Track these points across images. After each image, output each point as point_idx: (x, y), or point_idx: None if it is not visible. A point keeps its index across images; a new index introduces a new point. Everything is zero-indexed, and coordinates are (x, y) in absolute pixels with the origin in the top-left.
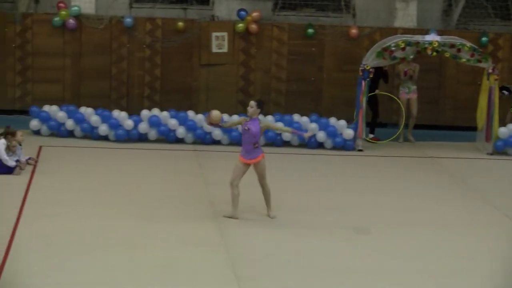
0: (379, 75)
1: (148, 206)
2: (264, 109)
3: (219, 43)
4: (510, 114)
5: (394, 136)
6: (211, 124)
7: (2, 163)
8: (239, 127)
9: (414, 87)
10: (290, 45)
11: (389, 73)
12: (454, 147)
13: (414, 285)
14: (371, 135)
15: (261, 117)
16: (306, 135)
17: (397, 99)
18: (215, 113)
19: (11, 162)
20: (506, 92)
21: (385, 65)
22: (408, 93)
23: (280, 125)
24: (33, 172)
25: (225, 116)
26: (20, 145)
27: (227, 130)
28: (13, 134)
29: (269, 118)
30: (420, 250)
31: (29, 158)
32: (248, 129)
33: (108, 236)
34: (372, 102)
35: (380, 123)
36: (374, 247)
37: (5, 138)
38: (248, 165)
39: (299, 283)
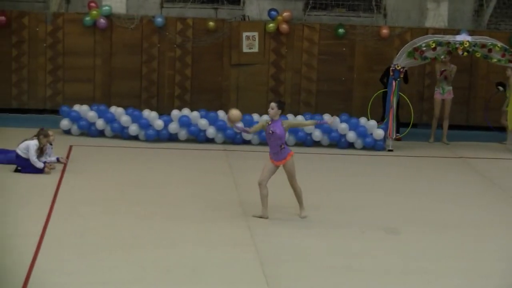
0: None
1: (178, 206)
2: (284, 109)
3: (250, 43)
4: (505, 113)
5: (405, 132)
6: (232, 124)
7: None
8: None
9: (449, 88)
10: (321, 45)
11: (411, 73)
12: (485, 147)
13: (447, 285)
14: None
15: (282, 117)
16: (330, 121)
17: (405, 97)
18: (235, 112)
19: (39, 164)
20: (501, 88)
21: (414, 65)
22: (443, 94)
23: (301, 119)
24: (63, 171)
25: (255, 116)
26: (51, 144)
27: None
28: (45, 135)
29: (299, 117)
30: (449, 250)
31: (60, 158)
32: (273, 132)
33: (138, 235)
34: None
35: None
36: (404, 247)
37: (38, 138)
38: (277, 166)
39: (328, 283)
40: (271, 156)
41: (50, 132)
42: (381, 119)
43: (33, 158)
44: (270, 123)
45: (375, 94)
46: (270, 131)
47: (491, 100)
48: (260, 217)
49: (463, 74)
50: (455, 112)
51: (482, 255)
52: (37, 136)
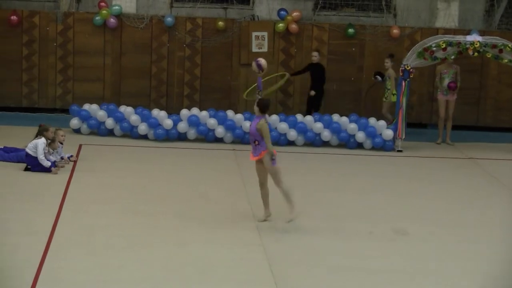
0: (319, 73)
1: (187, 205)
2: (266, 111)
3: (259, 42)
4: (386, 103)
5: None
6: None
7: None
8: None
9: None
10: (330, 45)
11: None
12: (495, 148)
13: (454, 286)
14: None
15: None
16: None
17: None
18: (264, 61)
19: (46, 163)
20: (379, 78)
21: (424, 65)
22: (446, 95)
23: (267, 134)
24: (73, 170)
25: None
26: (62, 144)
27: None
28: (46, 130)
29: (308, 118)
30: (457, 252)
31: (71, 156)
32: (250, 125)
33: (147, 234)
34: (315, 98)
35: (420, 124)
36: (413, 247)
37: (43, 136)
38: (258, 162)
39: (336, 283)
40: (252, 152)
41: (61, 132)
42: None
43: (41, 156)
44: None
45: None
46: (250, 125)
47: (370, 90)
48: (265, 220)
49: (474, 74)
50: (465, 112)
51: (491, 257)
52: (40, 134)
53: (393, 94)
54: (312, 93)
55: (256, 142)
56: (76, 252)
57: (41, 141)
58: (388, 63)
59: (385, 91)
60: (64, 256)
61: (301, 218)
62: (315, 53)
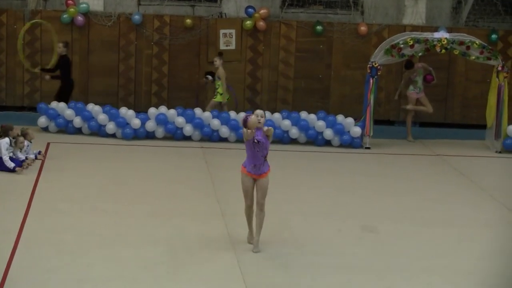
0: (65, 65)
1: (156, 203)
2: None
3: (227, 40)
4: (214, 102)
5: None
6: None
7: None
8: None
9: (421, 87)
10: (298, 43)
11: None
12: (463, 145)
13: (425, 283)
14: None
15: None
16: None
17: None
18: (254, 119)
19: (10, 163)
20: (210, 77)
21: (392, 62)
22: (418, 93)
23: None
24: (41, 168)
25: (232, 114)
26: (31, 142)
27: (234, 127)
28: (10, 128)
29: (276, 115)
30: (426, 248)
31: (39, 153)
32: (258, 142)
33: (117, 233)
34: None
35: (388, 121)
36: (382, 245)
37: (5, 135)
38: (254, 180)
39: (306, 281)
40: (249, 169)
41: (30, 131)
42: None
43: (5, 157)
44: (254, 131)
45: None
46: (256, 141)
47: (206, 88)
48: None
49: (441, 71)
50: (433, 109)
51: (461, 253)
52: (4, 133)
53: (220, 94)
54: None
55: (266, 158)
56: (45, 251)
57: (4, 141)
58: (217, 62)
59: (215, 90)
60: (33, 255)
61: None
62: (60, 45)
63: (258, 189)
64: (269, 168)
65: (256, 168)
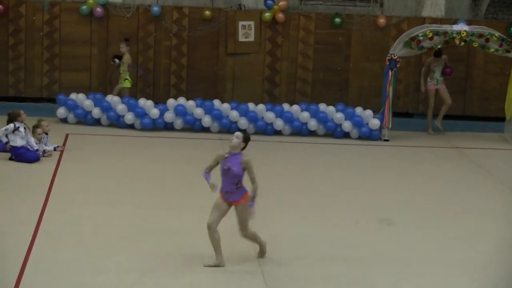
0: None
1: (173, 194)
2: (247, 146)
3: (246, 32)
4: (120, 88)
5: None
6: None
7: (27, 150)
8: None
9: (442, 78)
10: (317, 35)
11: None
12: (482, 137)
13: (443, 274)
14: None
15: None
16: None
17: None
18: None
19: (4, 138)
20: (117, 61)
21: (411, 54)
22: (436, 84)
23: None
24: (59, 159)
25: (251, 106)
26: (46, 134)
27: (253, 118)
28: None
29: (295, 107)
30: (443, 240)
31: (57, 146)
32: (229, 168)
33: (135, 224)
34: None
35: (407, 113)
36: (399, 237)
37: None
38: (230, 205)
39: (324, 273)
40: (223, 192)
41: (45, 122)
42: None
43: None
44: (227, 156)
45: None
46: (226, 167)
47: (112, 75)
48: (216, 266)
49: (460, 64)
50: (452, 102)
51: (479, 246)
52: (12, 120)
53: (125, 79)
54: None
55: (239, 185)
56: (63, 242)
57: (10, 125)
58: (123, 48)
59: (119, 75)
60: (51, 246)
61: (286, 207)
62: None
63: (236, 217)
64: (244, 194)
65: (228, 194)
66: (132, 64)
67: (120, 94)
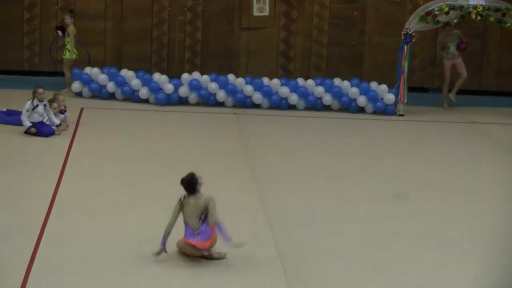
0: None
1: (189, 168)
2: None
3: (260, 6)
4: (64, 59)
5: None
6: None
7: (44, 124)
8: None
9: (458, 52)
10: (332, 9)
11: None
12: (497, 112)
13: (457, 251)
14: None
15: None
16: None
17: None
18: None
19: (26, 123)
20: (60, 33)
21: (426, 29)
22: (451, 60)
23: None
24: (74, 133)
25: (265, 80)
26: (65, 108)
27: (267, 93)
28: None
29: (309, 82)
30: (458, 215)
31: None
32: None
33: (149, 195)
34: None
35: (422, 88)
36: (414, 212)
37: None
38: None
39: (336, 247)
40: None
41: (61, 97)
42: None
43: (23, 116)
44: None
45: None
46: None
47: (53, 44)
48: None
49: (476, 39)
50: (467, 77)
51: (493, 221)
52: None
53: (68, 51)
54: None
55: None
56: (78, 214)
57: (28, 102)
58: (68, 19)
59: (63, 48)
60: (66, 218)
61: (301, 181)
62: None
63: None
64: (210, 237)
65: (196, 236)
66: (76, 36)
67: (65, 65)
